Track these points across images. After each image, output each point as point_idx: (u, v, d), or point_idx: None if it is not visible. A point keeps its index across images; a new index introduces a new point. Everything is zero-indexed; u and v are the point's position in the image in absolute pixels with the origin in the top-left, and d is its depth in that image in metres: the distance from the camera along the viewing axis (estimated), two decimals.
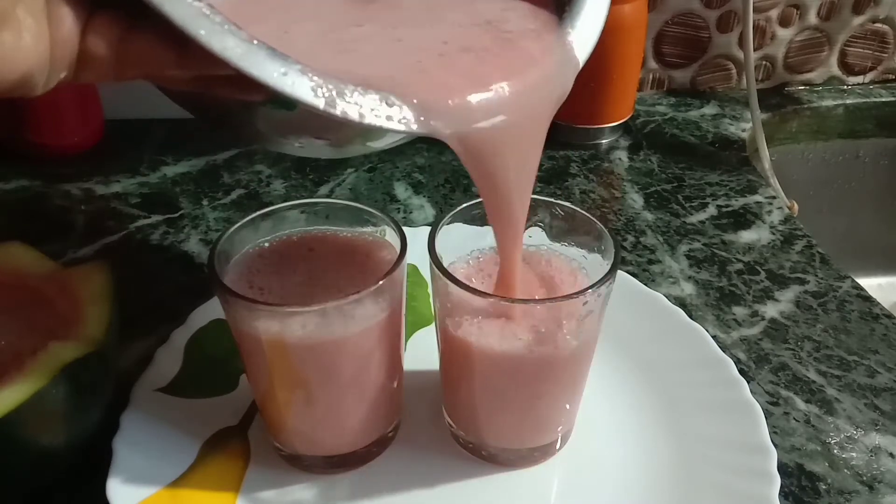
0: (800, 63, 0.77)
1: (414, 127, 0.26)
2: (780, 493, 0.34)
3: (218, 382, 0.41)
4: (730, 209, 0.59)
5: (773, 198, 0.60)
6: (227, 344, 0.42)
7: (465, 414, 0.37)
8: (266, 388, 0.35)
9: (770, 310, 0.48)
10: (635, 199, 0.60)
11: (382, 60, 0.28)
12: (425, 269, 0.39)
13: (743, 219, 0.58)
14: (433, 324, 0.37)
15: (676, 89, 0.78)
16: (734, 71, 0.77)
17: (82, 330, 0.34)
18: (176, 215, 0.58)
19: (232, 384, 0.41)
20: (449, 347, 0.35)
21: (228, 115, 0.33)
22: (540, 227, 0.35)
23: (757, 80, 0.76)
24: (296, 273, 0.34)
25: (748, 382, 0.39)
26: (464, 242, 0.36)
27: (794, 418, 0.40)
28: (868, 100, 0.76)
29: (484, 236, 0.34)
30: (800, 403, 0.41)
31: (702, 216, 0.58)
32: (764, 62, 0.77)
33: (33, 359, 0.32)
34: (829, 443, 0.39)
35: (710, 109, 0.75)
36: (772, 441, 0.36)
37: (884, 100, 0.77)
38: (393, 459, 0.38)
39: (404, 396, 0.39)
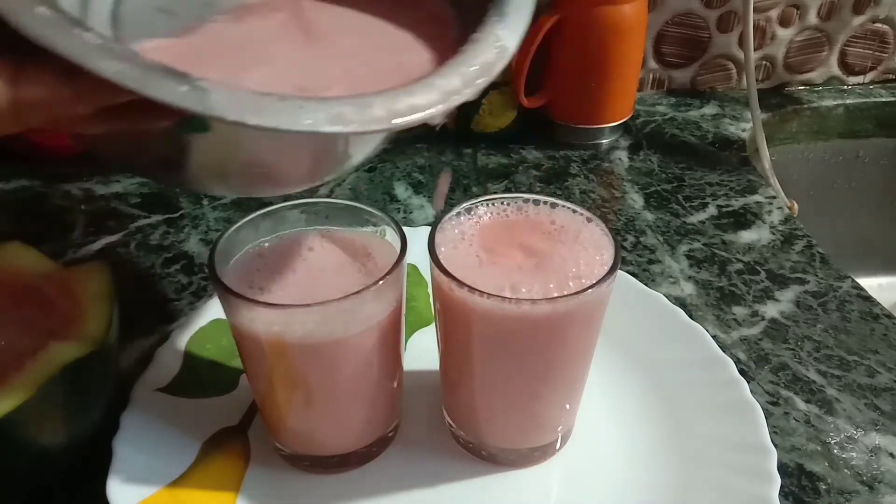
0: (800, 63, 0.78)
1: (333, 128, 0.26)
2: (780, 493, 0.34)
3: (218, 382, 0.41)
4: (730, 209, 0.59)
5: (774, 198, 0.60)
6: (227, 344, 0.42)
7: (465, 414, 0.37)
8: (266, 388, 0.35)
9: (770, 310, 0.48)
10: (635, 199, 0.60)
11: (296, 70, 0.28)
12: (425, 269, 0.39)
13: (743, 219, 0.58)
14: (433, 324, 0.37)
15: (676, 89, 0.78)
16: (734, 71, 0.77)
17: (82, 330, 0.34)
18: (176, 215, 0.58)
19: (232, 384, 0.41)
20: (449, 346, 0.35)
21: (160, 157, 0.33)
22: None
23: (757, 80, 0.76)
24: (295, 273, 0.34)
25: (748, 382, 0.39)
26: None
27: (794, 418, 0.40)
28: (868, 100, 0.76)
29: None
30: (800, 403, 0.41)
31: (702, 216, 0.58)
32: (764, 62, 0.77)
33: (33, 359, 0.32)
34: (829, 443, 0.39)
35: (710, 109, 0.75)
36: (772, 441, 0.36)
37: (884, 100, 0.77)
38: (393, 459, 0.38)
39: (404, 396, 0.39)
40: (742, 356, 0.44)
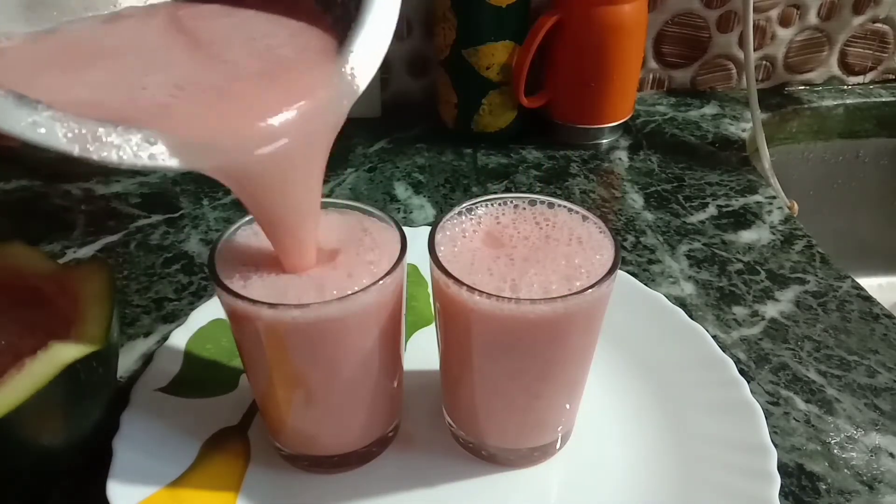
0: (800, 63, 0.78)
1: (173, 163, 0.25)
2: (780, 493, 0.34)
3: (218, 382, 0.41)
4: (730, 209, 0.59)
5: (774, 198, 0.60)
6: (227, 344, 0.42)
7: (465, 414, 0.37)
8: (266, 387, 0.35)
9: (770, 310, 0.48)
10: (635, 199, 0.60)
11: (139, 97, 0.27)
12: (425, 269, 0.39)
13: (743, 219, 0.58)
14: (433, 324, 0.37)
15: (676, 89, 0.78)
16: (734, 71, 0.77)
17: (82, 330, 0.34)
18: (176, 215, 0.58)
19: (232, 384, 0.41)
20: (449, 346, 0.35)
21: None
22: None
23: (757, 80, 0.76)
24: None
25: (748, 382, 0.39)
26: None
27: (795, 418, 0.40)
28: (868, 100, 0.76)
29: None
30: (800, 403, 0.41)
31: (702, 216, 0.58)
32: (764, 62, 0.77)
33: (33, 359, 0.32)
34: (830, 443, 0.39)
35: (710, 109, 0.75)
36: (772, 441, 0.36)
37: (884, 100, 0.77)
38: (393, 459, 0.38)
39: (404, 396, 0.39)
40: (742, 356, 0.44)
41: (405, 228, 0.34)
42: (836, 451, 0.38)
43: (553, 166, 0.65)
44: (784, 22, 0.75)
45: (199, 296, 0.49)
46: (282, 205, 0.30)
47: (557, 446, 0.38)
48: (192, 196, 0.60)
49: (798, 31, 0.75)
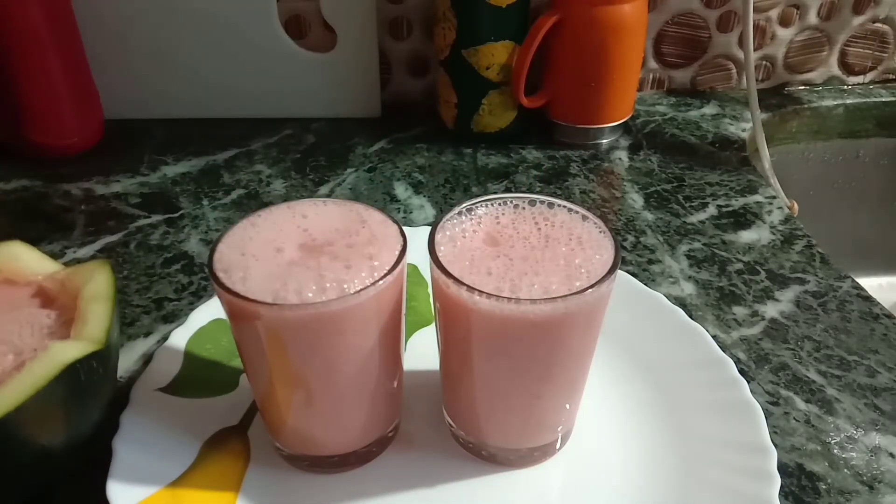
0: (800, 63, 0.78)
1: None
2: (780, 493, 0.34)
3: (218, 382, 0.41)
4: (730, 209, 0.59)
5: (773, 198, 0.60)
6: (226, 344, 0.42)
7: (465, 414, 0.37)
8: (266, 387, 0.35)
9: (770, 310, 0.48)
10: (635, 199, 0.60)
11: None
12: (425, 269, 0.39)
13: (743, 219, 0.58)
14: (433, 324, 0.37)
15: (676, 89, 0.78)
16: (734, 71, 0.77)
17: (82, 330, 0.34)
18: (176, 215, 0.58)
19: (232, 384, 0.41)
20: (449, 346, 0.35)
21: None
22: None
23: (757, 80, 0.76)
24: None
25: (748, 382, 0.39)
26: None
27: (795, 418, 0.40)
28: (868, 100, 0.76)
29: None
30: (800, 403, 0.41)
31: (702, 216, 0.58)
32: (764, 62, 0.77)
33: (33, 359, 0.32)
34: (830, 443, 0.39)
35: (710, 109, 0.75)
36: (772, 441, 0.36)
37: (884, 100, 0.77)
38: (393, 459, 0.38)
39: (404, 396, 0.39)
40: (742, 356, 0.44)
41: (405, 228, 0.34)
42: (836, 451, 0.38)
43: (553, 166, 0.65)
44: (784, 22, 0.75)
45: (199, 296, 0.49)
46: None
47: (557, 446, 0.38)
48: (192, 196, 0.60)
49: (798, 31, 0.75)
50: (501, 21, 0.62)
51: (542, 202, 0.36)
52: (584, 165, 0.65)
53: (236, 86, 0.70)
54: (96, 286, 0.36)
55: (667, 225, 0.57)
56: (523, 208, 0.36)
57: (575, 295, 0.31)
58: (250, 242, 0.33)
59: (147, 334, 0.46)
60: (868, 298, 0.49)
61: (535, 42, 0.62)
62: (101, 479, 0.34)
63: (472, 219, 0.36)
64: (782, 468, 0.36)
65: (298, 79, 0.70)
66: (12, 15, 0.58)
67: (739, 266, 0.52)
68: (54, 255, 0.53)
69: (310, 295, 0.30)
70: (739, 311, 0.48)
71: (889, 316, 0.47)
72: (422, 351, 0.42)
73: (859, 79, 0.79)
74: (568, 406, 0.37)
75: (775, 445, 0.36)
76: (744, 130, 0.70)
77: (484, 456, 0.37)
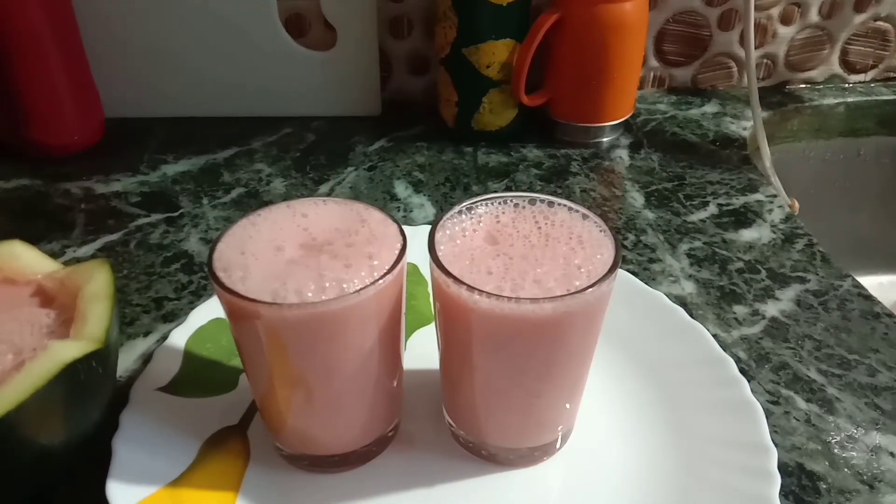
0: (801, 61, 0.77)
1: None
2: (780, 493, 0.34)
3: (218, 382, 0.41)
4: (730, 208, 0.59)
5: (774, 196, 0.60)
6: (226, 343, 0.42)
7: (465, 413, 0.37)
8: (266, 387, 0.35)
9: (771, 309, 0.48)
10: (636, 198, 0.60)
11: None
12: (425, 268, 0.39)
13: (744, 217, 0.57)
14: (433, 323, 0.37)
15: (677, 87, 0.78)
16: (735, 69, 0.77)
17: (82, 329, 0.34)
18: (176, 214, 0.58)
19: (232, 384, 0.41)
20: (449, 345, 0.35)
21: None
22: None
23: (758, 79, 0.76)
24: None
25: (749, 381, 0.39)
26: None
27: (795, 417, 0.40)
28: (869, 98, 0.76)
29: None
30: (800, 402, 0.41)
31: (702, 215, 0.58)
32: (765, 60, 0.77)
33: (33, 359, 0.32)
34: (830, 442, 0.39)
35: (711, 108, 0.74)
36: (772, 440, 0.36)
37: (885, 98, 0.76)
38: (393, 459, 0.38)
39: (404, 396, 0.39)
40: (742, 355, 0.44)
41: (405, 227, 0.34)
42: (836, 450, 0.38)
43: (553, 165, 0.65)
44: (785, 20, 0.75)
45: (199, 295, 0.49)
46: None
47: (558, 446, 0.38)
48: (192, 195, 0.60)
49: (799, 30, 0.75)
50: (502, 19, 0.62)
51: (542, 201, 0.36)
52: (585, 164, 0.65)
53: (236, 84, 0.70)
54: (96, 285, 0.36)
55: (667, 224, 0.57)
56: (523, 207, 0.36)
57: (575, 294, 0.31)
58: (250, 241, 0.33)
59: (147, 334, 0.46)
60: (869, 297, 0.49)
61: (536, 40, 0.62)
62: (101, 478, 0.34)
63: (472, 218, 0.35)
64: (782, 467, 0.36)
65: (299, 77, 0.70)
66: (13, 14, 0.58)
67: (740, 265, 0.52)
68: (54, 255, 0.53)
69: (309, 294, 0.30)
70: (740, 310, 0.48)
71: (890, 315, 0.47)
72: (422, 350, 0.42)
73: (860, 77, 0.79)
74: (568, 405, 0.37)
75: (776, 445, 0.36)
76: (745, 129, 0.70)
77: (484, 455, 0.37)
